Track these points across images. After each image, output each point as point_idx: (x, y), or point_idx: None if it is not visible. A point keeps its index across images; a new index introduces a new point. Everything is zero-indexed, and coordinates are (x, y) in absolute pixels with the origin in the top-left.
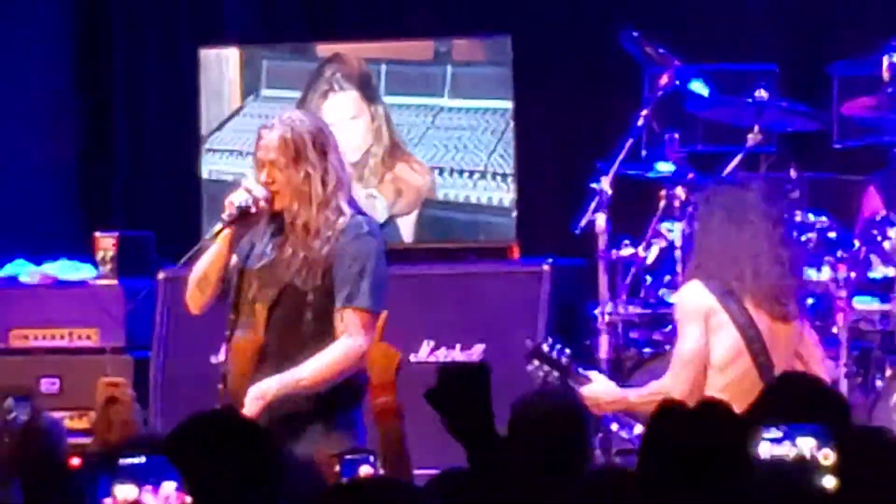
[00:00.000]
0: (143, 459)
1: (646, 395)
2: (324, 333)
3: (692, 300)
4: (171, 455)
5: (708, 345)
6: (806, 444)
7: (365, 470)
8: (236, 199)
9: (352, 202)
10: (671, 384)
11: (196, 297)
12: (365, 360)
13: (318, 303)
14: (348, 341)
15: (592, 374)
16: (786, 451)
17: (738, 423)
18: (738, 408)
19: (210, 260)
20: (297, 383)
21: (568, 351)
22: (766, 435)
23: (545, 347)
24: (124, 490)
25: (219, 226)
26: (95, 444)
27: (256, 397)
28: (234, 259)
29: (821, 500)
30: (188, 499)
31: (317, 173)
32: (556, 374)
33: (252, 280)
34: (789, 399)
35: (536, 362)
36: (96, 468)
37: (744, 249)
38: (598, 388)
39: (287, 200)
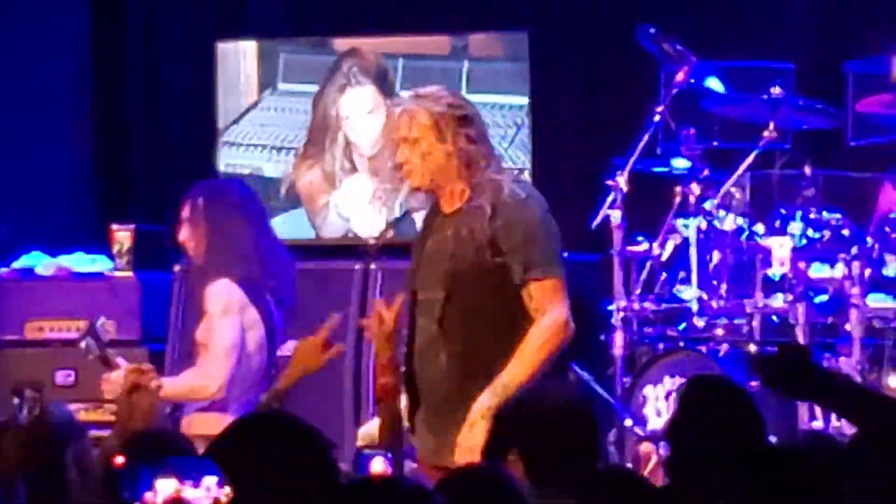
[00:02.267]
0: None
1: (181, 384)
2: (512, 315)
3: (229, 296)
4: (217, 458)
5: (244, 337)
6: None
7: (377, 464)
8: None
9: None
10: (213, 373)
11: None
12: (560, 330)
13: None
14: (544, 321)
15: (122, 360)
16: None
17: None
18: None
19: None
20: (509, 386)
21: (109, 336)
22: None
23: (98, 326)
24: (166, 484)
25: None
26: (116, 432)
27: (480, 418)
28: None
29: None
30: (228, 491)
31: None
32: (97, 351)
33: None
34: None
35: (90, 338)
36: (137, 463)
37: (254, 245)
38: (120, 375)
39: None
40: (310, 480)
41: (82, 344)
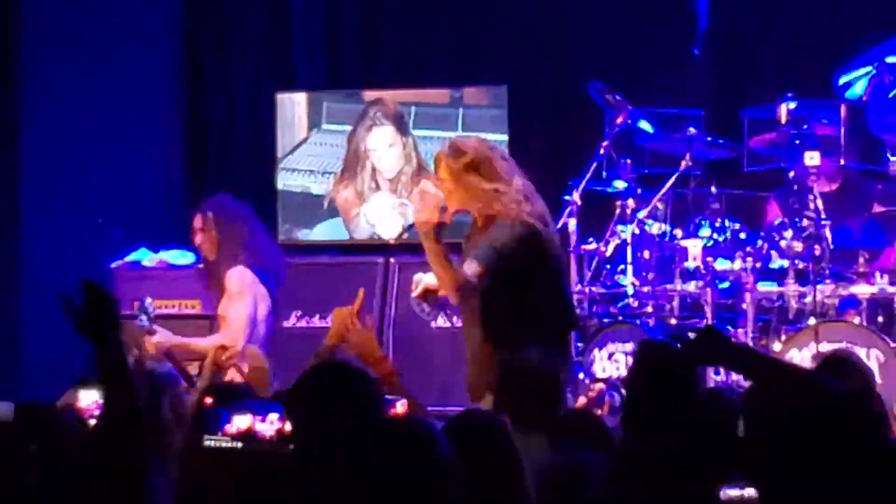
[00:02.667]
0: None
1: (207, 342)
2: (503, 306)
3: (248, 279)
4: (285, 401)
5: (257, 308)
6: None
7: (400, 406)
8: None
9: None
10: (237, 335)
11: None
12: (462, 280)
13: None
14: (465, 267)
15: (159, 328)
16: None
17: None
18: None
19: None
20: (434, 259)
21: (155, 312)
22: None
23: (147, 305)
24: (241, 419)
25: None
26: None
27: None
28: None
29: None
30: (288, 426)
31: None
32: (148, 325)
33: None
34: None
35: (143, 316)
36: (221, 404)
37: (253, 241)
38: (161, 336)
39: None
40: (359, 409)
41: (140, 320)
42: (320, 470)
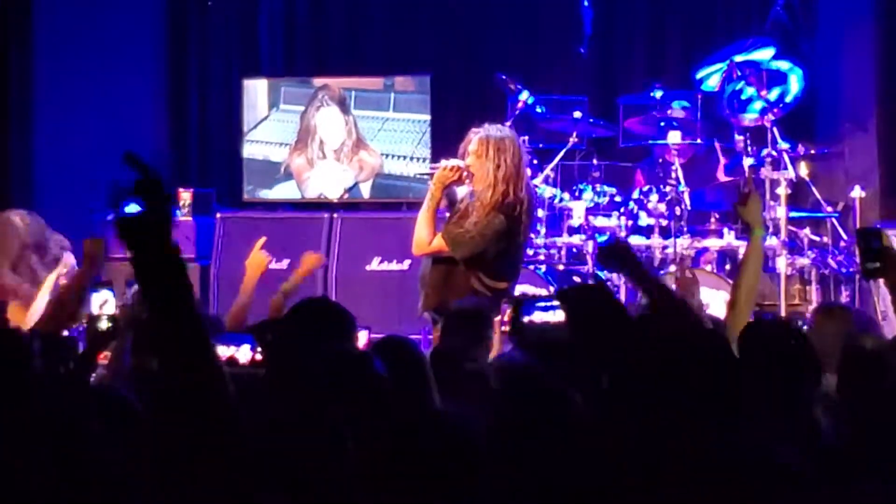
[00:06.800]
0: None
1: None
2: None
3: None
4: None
5: None
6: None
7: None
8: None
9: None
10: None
11: None
12: (415, 251)
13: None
14: (440, 236)
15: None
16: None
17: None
18: None
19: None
20: (423, 211)
21: None
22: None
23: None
24: (221, 350)
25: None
26: None
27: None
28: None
29: None
30: (259, 355)
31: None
32: None
33: None
34: None
35: None
36: None
37: None
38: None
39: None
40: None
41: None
42: (291, 389)
